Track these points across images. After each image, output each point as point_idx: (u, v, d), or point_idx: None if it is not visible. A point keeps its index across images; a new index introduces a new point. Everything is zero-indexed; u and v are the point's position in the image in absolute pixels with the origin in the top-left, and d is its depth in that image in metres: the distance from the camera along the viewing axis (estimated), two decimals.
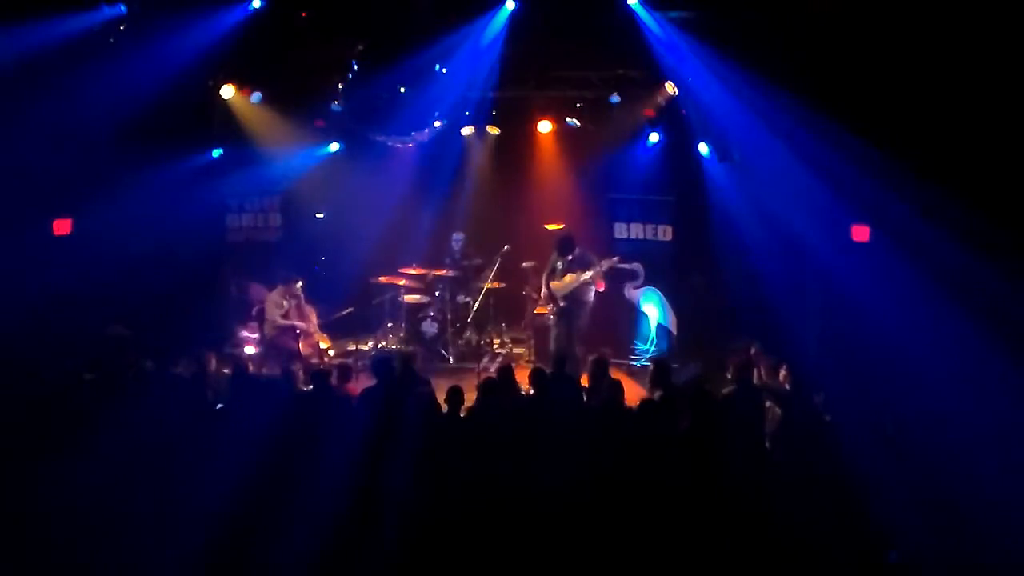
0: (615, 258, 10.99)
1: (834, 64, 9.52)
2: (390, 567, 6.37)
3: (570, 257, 10.73)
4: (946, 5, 9.00)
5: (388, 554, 6.36)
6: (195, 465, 6.90)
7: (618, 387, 7.73)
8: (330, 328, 11.58)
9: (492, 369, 11.14)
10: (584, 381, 8.71)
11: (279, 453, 6.89)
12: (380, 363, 8.28)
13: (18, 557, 6.21)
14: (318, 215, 13.12)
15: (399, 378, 8.18)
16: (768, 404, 7.61)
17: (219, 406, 8.04)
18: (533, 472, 6.64)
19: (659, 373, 7.99)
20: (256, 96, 11.73)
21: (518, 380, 8.34)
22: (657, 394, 7.71)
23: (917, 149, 9.27)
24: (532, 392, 8.07)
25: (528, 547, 6.23)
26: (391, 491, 6.66)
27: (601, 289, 10.88)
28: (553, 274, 10.91)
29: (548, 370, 8.40)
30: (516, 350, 12.24)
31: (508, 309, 12.61)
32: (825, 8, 9.62)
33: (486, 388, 7.78)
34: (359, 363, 11.07)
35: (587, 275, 10.62)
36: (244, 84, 11.74)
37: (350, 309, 11.70)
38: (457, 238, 12.34)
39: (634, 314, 11.86)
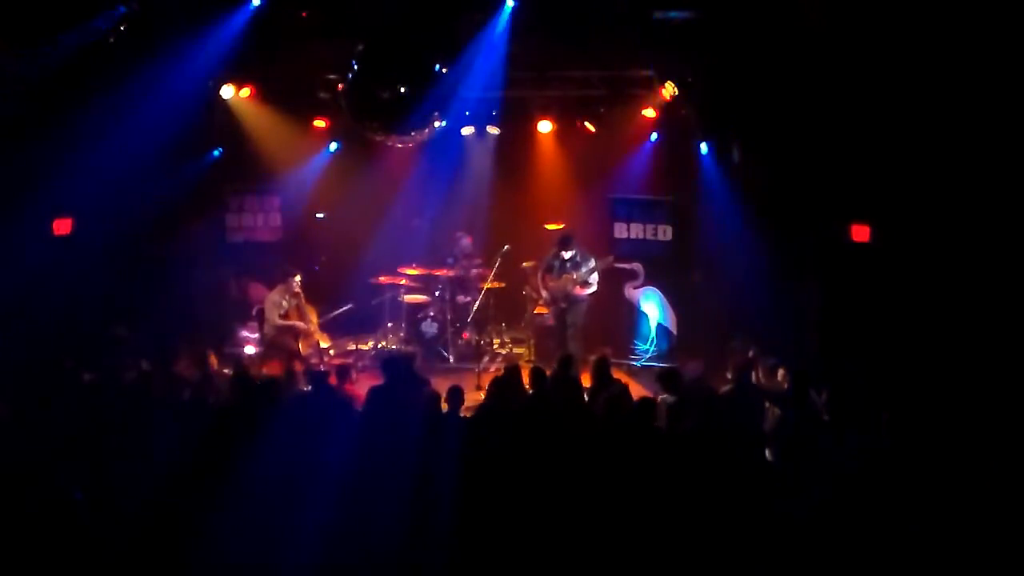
0: (610, 257, 11.03)
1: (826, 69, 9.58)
2: (390, 566, 6.37)
3: (567, 256, 10.77)
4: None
5: (389, 554, 6.36)
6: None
7: (623, 389, 7.74)
8: (330, 327, 11.58)
9: (493, 369, 11.17)
10: (585, 381, 8.71)
11: (279, 454, 6.88)
12: (390, 362, 8.29)
13: None
14: (318, 215, 13.12)
15: (403, 378, 8.20)
16: (768, 405, 7.63)
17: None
18: (533, 472, 6.64)
19: (670, 380, 7.97)
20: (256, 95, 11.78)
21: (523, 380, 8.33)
22: (671, 399, 7.69)
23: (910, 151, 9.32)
24: (531, 391, 8.08)
25: (528, 547, 6.24)
26: (392, 491, 6.66)
27: (591, 291, 10.89)
28: (550, 271, 10.95)
29: (548, 369, 8.41)
30: (516, 350, 12.25)
31: (508, 309, 12.61)
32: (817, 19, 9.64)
33: (495, 385, 7.77)
34: (359, 363, 11.09)
35: (580, 276, 10.67)
36: (244, 84, 11.76)
37: (349, 306, 11.71)
38: (463, 239, 12.34)
39: (634, 314, 11.85)
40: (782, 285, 10.39)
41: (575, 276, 10.77)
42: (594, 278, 10.86)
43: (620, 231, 11.94)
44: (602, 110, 12.05)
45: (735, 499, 6.23)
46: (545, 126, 12.36)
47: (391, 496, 6.57)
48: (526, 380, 8.42)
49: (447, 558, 6.23)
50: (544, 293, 11.08)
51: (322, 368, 9.84)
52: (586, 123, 12.19)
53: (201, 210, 11.85)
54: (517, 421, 7.29)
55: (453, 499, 6.49)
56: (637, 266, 11.69)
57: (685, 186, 11.63)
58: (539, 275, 11.12)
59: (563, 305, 10.87)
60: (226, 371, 9.13)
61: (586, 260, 10.83)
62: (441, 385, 8.13)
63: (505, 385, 7.87)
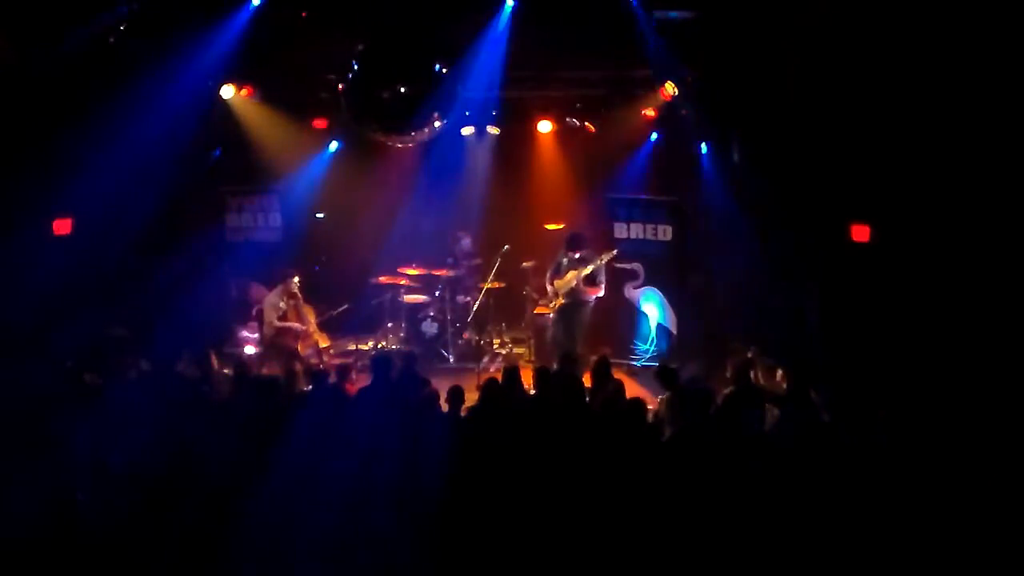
0: (614, 251, 11.03)
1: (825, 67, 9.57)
2: (389, 566, 6.37)
3: (576, 255, 10.78)
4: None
5: (387, 554, 6.36)
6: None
7: (619, 389, 7.74)
8: (330, 327, 11.58)
9: (493, 369, 11.17)
10: (586, 381, 8.70)
11: (278, 453, 6.88)
12: (379, 363, 8.28)
13: None
14: (318, 215, 13.12)
15: (400, 378, 8.18)
16: (767, 405, 7.62)
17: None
18: (533, 472, 6.64)
19: (665, 377, 7.99)
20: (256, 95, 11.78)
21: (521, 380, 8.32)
22: (666, 395, 7.71)
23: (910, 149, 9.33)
24: (535, 392, 8.07)
25: (526, 547, 6.24)
26: (391, 491, 6.66)
27: (599, 294, 10.88)
28: (558, 271, 10.95)
29: (552, 369, 8.41)
30: (516, 350, 12.25)
31: (508, 309, 12.60)
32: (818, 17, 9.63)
33: (488, 389, 7.77)
34: (359, 363, 11.09)
35: (587, 271, 10.66)
36: (244, 84, 11.75)
37: (346, 306, 11.71)
38: (464, 239, 12.34)
39: (634, 314, 11.86)
40: (782, 285, 10.39)
41: (580, 272, 10.75)
42: (601, 276, 10.85)
43: (620, 231, 11.93)
44: (602, 110, 12.05)
45: (732, 499, 6.23)
46: (545, 126, 12.37)
47: (388, 496, 6.58)
48: (527, 381, 8.44)
49: (445, 558, 6.23)
50: (550, 289, 11.06)
51: (321, 368, 9.84)
52: (586, 123, 12.20)
53: (201, 210, 11.84)
54: (519, 421, 7.29)
55: (450, 500, 6.49)
56: (637, 266, 11.70)
57: (685, 186, 11.63)
58: (548, 275, 11.12)
59: (566, 301, 10.86)
60: (226, 371, 9.14)
61: (593, 259, 10.82)
62: (441, 385, 8.13)
63: (499, 387, 7.85)
